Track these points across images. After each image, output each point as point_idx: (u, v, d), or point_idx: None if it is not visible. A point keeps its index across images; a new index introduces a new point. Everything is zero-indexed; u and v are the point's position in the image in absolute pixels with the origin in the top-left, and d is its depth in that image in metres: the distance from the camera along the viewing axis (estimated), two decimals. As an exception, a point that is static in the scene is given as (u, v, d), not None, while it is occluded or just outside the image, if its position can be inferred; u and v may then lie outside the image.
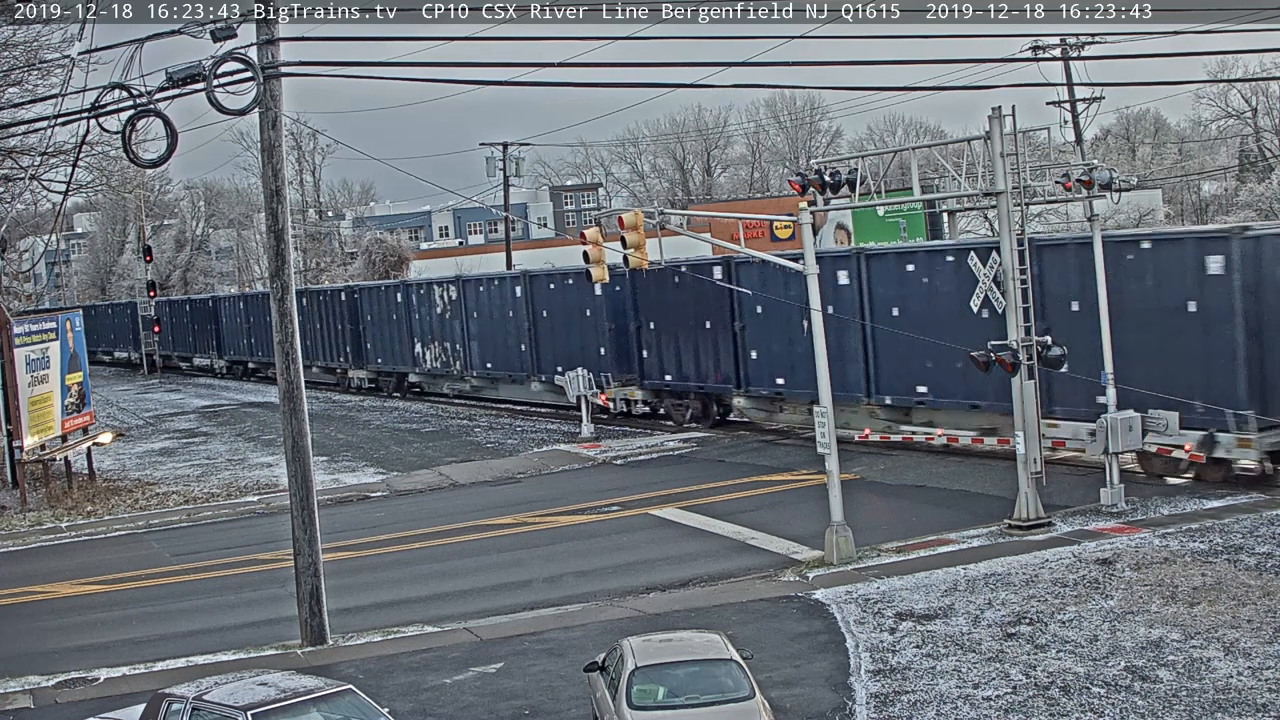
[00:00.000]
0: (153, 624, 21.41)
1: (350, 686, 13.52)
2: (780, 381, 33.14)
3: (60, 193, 37.45)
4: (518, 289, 42.55)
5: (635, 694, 13.22)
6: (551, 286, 41.06)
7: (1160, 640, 16.15)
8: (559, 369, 39.48)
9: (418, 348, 48.73)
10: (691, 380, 36.23)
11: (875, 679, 15.74)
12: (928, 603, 18.62)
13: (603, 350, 38.68)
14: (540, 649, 18.11)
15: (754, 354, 33.84)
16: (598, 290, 36.96)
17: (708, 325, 35.16)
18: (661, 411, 38.18)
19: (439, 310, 46.97)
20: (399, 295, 50.07)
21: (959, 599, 18.62)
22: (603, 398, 37.88)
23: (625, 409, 39.05)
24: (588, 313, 39.10)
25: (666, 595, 20.61)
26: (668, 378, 36.93)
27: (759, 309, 33.23)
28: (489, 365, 44.52)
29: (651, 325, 37.22)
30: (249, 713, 12.44)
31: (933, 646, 16.69)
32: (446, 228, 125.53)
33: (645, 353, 37.52)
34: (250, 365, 65.53)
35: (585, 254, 23.34)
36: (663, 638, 14.68)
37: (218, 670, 17.10)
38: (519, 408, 44.97)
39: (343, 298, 54.06)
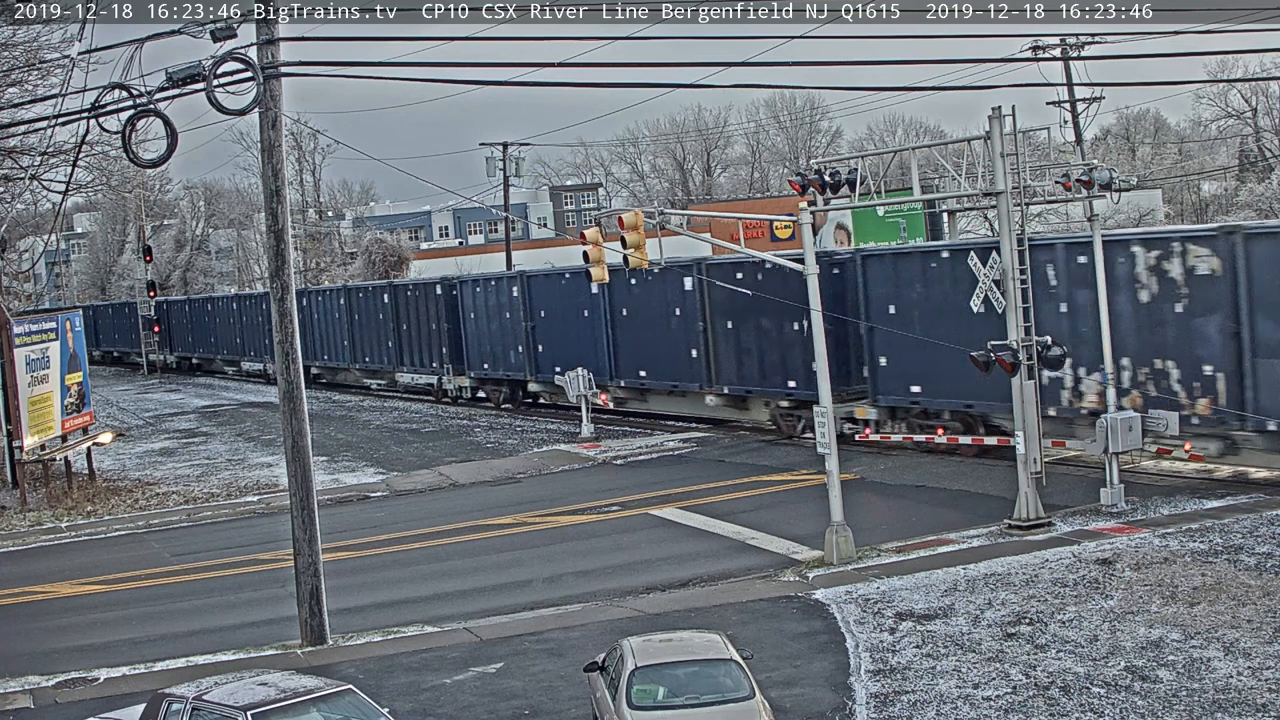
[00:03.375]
0: (153, 624, 21.40)
1: (350, 686, 13.52)
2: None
3: (60, 193, 37.38)
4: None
5: (635, 694, 13.22)
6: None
7: (1160, 640, 16.15)
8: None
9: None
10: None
11: (875, 679, 15.74)
12: (928, 603, 18.62)
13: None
14: (540, 649, 18.11)
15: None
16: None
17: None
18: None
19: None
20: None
21: (959, 599, 18.62)
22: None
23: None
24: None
25: (666, 595, 20.61)
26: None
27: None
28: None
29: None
30: (249, 713, 12.44)
31: (933, 646, 16.69)
32: (446, 228, 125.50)
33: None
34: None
35: (585, 254, 23.35)
36: (663, 638, 14.68)
37: (218, 670, 17.11)
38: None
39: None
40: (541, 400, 43.74)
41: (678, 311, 35.41)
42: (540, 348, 41.49)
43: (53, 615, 22.58)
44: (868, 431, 30.54)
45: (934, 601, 18.64)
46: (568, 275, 40.05)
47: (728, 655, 13.77)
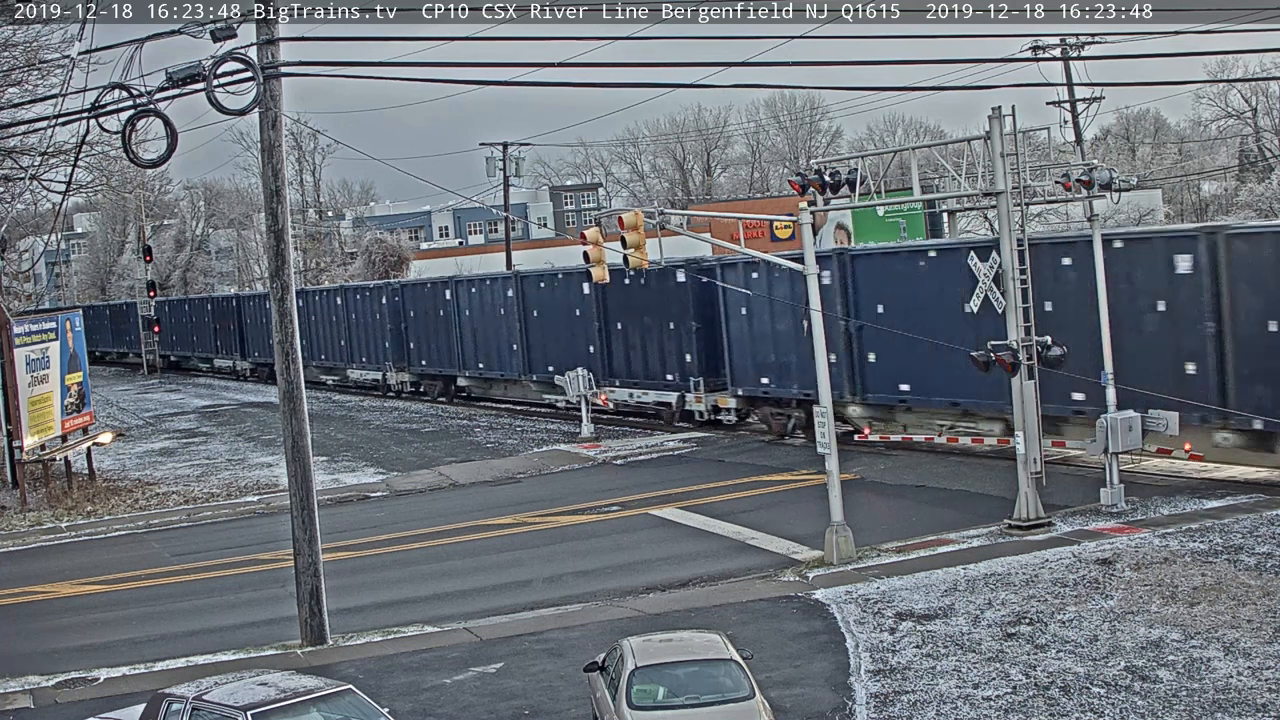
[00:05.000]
0: (153, 624, 21.40)
1: (350, 686, 13.52)
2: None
3: (60, 193, 37.41)
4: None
5: (635, 694, 13.22)
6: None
7: (1160, 640, 16.15)
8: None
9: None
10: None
11: (875, 679, 15.74)
12: (928, 603, 18.62)
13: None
14: (540, 649, 18.10)
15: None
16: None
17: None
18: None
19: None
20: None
21: (959, 599, 18.62)
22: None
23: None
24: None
25: (666, 595, 20.61)
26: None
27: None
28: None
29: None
30: (249, 713, 12.44)
31: (933, 646, 16.69)
32: (446, 228, 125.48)
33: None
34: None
35: (585, 254, 23.34)
36: (663, 638, 14.67)
37: (218, 670, 17.10)
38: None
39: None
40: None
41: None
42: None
43: (53, 615, 22.58)
44: (867, 431, 30.56)
45: (934, 601, 18.64)
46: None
47: (728, 655, 13.77)
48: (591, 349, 39.06)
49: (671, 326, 36.44)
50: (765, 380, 33.51)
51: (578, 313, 39.91)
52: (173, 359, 76.57)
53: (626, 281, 36.73)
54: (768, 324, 33.06)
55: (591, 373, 37.34)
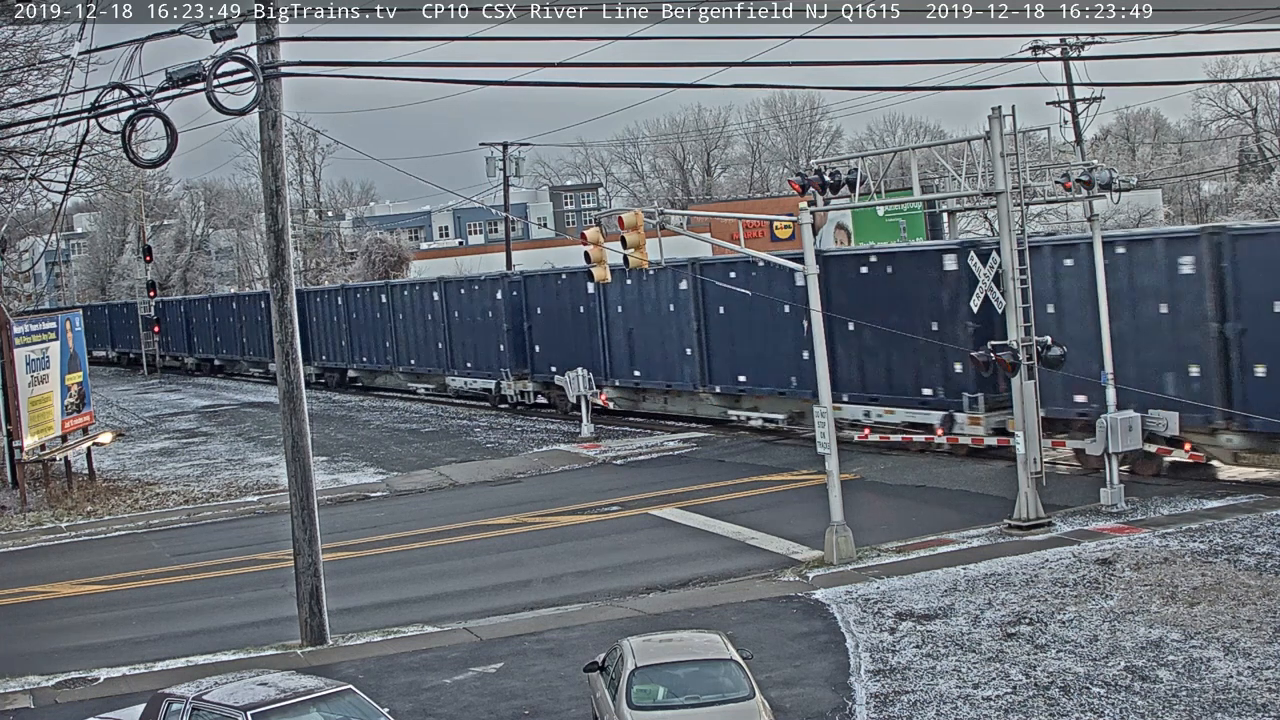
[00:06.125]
0: (153, 624, 21.41)
1: (350, 686, 13.51)
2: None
3: (60, 193, 37.46)
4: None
5: (635, 694, 13.22)
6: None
7: (1160, 640, 16.15)
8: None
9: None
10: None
11: (875, 679, 15.74)
12: (928, 603, 18.62)
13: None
14: (540, 649, 18.10)
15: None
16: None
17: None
18: None
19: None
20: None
21: (959, 599, 18.62)
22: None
23: None
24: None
25: (666, 595, 20.61)
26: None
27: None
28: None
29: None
30: (249, 713, 12.44)
31: (933, 646, 16.69)
32: (446, 228, 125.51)
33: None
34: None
35: (586, 254, 23.34)
36: (663, 638, 14.67)
37: (218, 670, 17.10)
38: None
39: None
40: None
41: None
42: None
43: (53, 615, 22.58)
44: (867, 431, 30.56)
45: (934, 601, 18.64)
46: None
47: (728, 655, 13.77)
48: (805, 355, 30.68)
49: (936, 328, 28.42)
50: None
51: (786, 309, 31.39)
52: (216, 363, 70.43)
53: (864, 271, 30.82)
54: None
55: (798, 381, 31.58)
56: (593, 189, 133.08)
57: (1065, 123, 51.32)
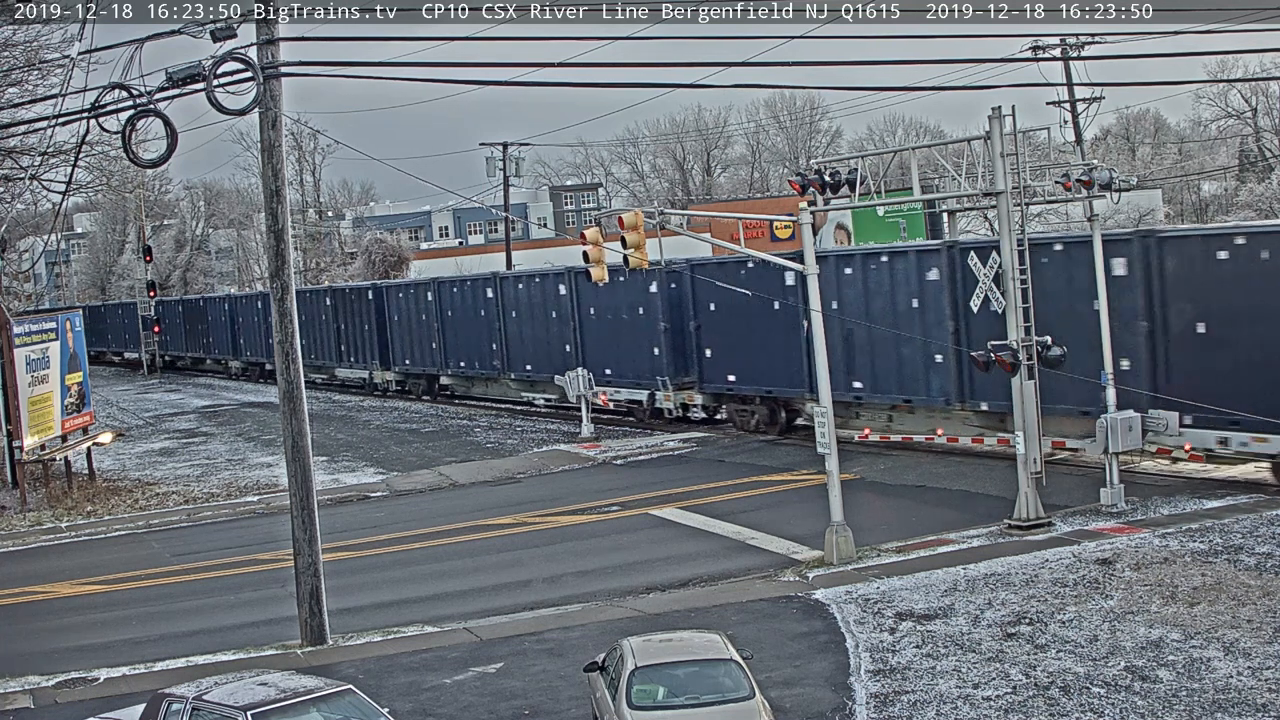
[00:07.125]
0: (153, 624, 21.41)
1: (350, 686, 13.52)
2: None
3: (60, 193, 37.39)
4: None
5: (635, 694, 13.22)
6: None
7: (1160, 640, 16.15)
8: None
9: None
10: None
11: (875, 679, 15.74)
12: (928, 603, 18.62)
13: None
14: (540, 649, 18.11)
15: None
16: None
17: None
18: None
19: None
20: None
21: (959, 599, 18.62)
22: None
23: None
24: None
25: (666, 595, 20.61)
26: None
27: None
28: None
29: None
30: (249, 713, 12.44)
31: (933, 646, 16.69)
32: (446, 228, 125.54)
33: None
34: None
35: (585, 254, 23.32)
36: (663, 638, 14.67)
37: (218, 670, 17.10)
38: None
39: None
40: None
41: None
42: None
43: (53, 615, 22.58)
44: (867, 431, 30.57)
45: (934, 601, 18.64)
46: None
47: (728, 655, 13.77)
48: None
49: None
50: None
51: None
52: (268, 367, 60.23)
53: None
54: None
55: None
56: (593, 189, 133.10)
57: (1065, 123, 51.34)
